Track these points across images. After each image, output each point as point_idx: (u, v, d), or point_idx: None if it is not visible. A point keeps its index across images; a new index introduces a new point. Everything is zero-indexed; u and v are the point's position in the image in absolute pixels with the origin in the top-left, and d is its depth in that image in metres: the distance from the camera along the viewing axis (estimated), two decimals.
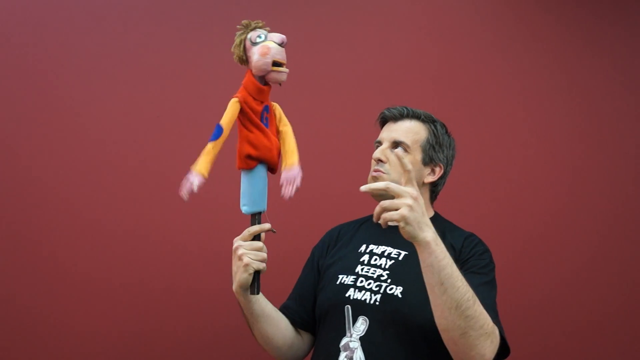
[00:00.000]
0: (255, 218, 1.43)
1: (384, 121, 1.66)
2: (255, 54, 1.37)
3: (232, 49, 1.41)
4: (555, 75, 2.31)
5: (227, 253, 2.02)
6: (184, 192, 1.29)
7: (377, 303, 1.45)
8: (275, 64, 1.37)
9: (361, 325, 1.46)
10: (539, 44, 2.31)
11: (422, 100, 1.96)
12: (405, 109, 1.62)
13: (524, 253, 2.22)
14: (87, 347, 1.95)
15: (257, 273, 1.41)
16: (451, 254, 1.44)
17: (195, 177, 1.30)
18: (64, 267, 1.97)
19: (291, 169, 1.40)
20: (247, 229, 1.42)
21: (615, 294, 2.24)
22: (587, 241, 2.25)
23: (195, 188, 1.29)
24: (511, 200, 2.24)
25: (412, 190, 1.27)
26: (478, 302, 1.30)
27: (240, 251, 1.39)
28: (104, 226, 2.00)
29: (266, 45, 1.36)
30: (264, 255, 1.41)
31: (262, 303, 1.50)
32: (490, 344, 1.30)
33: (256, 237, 1.43)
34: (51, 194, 1.98)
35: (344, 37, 2.20)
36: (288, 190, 1.38)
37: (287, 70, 1.39)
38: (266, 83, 1.40)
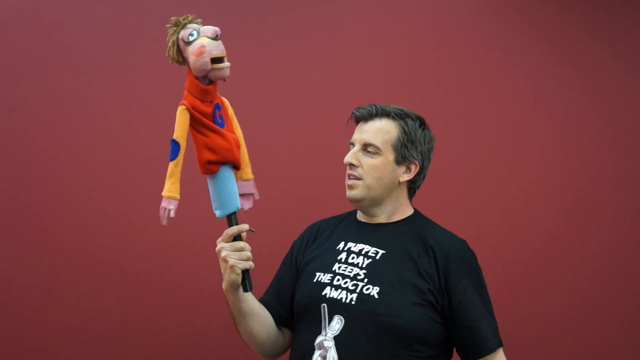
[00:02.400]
0: (231, 219, 1.41)
1: (356, 121, 1.61)
2: (190, 55, 1.29)
3: (166, 53, 1.32)
4: (562, 73, 2.27)
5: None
6: (163, 220, 1.30)
7: (353, 302, 1.44)
8: (215, 60, 1.28)
9: (336, 324, 1.45)
10: (545, 39, 2.27)
11: (421, 99, 1.95)
12: (374, 108, 1.56)
13: (530, 258, 2.22)
14: (83, 341, 1.98)
15: (245, 271, 1.41)
16: (424, 260, 1.47)
17: (169, 203, 1.29)
18: (62, 261, 1.98)
19: (247, 183, 1.40)
20: (225, 231, 1.42)
21: (626, 298, 2.24)
22: (594, 244, 2.24)
23: (172, 213, 1.29)
24: (514, 203, 2.23)
25: None
26: None
27: (223, 253, 1.41)
28: (101, 222, 2.01)
29: (200, 43, 1.27)
30: (248, 254, 1.41)
31: (250, 301, 1.50)
32: None
33: (237, 237, 1.41)
34: (52, 190, 2.00)
35: (335, 34, 2.17)
36: (246, 204, 1.42)
37: (228, 64, 1.30)
38: (211, 82, 1.33)
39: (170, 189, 1.29)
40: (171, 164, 1.30)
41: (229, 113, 1.41)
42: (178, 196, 1.30)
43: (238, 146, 1.38)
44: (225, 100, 1.40)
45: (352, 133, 1.59)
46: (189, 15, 1.32)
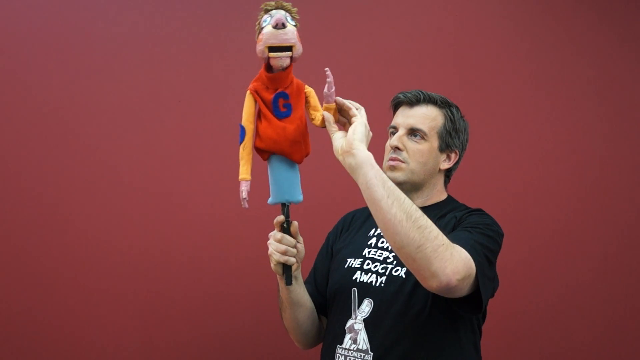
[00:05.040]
0: (284, 209, 1.40)
1: (398, 105, 1.62)
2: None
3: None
4: (582, 67, 2.23)
5: (230, 258, 2.04)
6: (242, 203, 1.33)
7: (382, 285, 1.45)
8: (273, 49, 1.28)
9: (366, 307, 1.45)
10: (565, 32, 2.24)
11: (437, 88, 1.94)
12: (421, 93, 1.57)
13: (537, 254, 2.17)
14: (89, 353, 1.98)
15: (285, 266, 1.41)
16: (453, 223, 1.45)
17: (241, 184, 1.33)
18: (66, 273, 1.98)
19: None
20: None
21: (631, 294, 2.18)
22: (602, 241, 2.18)
23: (244, 194, 1.33)
24: (529, 197, 2.19)
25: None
26: (427, 218, 1.27)
27: (269, 240, 1.43)
28: (107, 232, 2.01)
29: (262, 32, 1.29)
30: (285, 247, 1.39)
31: (298, 292, 1.50)
32: (450, 256, 1.24)
33: (286, 230, 1.41)
34: (51, 200, 2.00)
35: (358, 22, 2.18)
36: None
37: (286, 54, 1.29)
38: (279, 69, 1.32)
39: (240, 171, 1.34)
40: (240, 148, 1.34)
41: (311, 103, 1.37)
42: (248, 177, 1.33)
43: (290, 140, 1.33)
44: (308, 90, 1.37)
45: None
46: (273, 1, 1.32)
